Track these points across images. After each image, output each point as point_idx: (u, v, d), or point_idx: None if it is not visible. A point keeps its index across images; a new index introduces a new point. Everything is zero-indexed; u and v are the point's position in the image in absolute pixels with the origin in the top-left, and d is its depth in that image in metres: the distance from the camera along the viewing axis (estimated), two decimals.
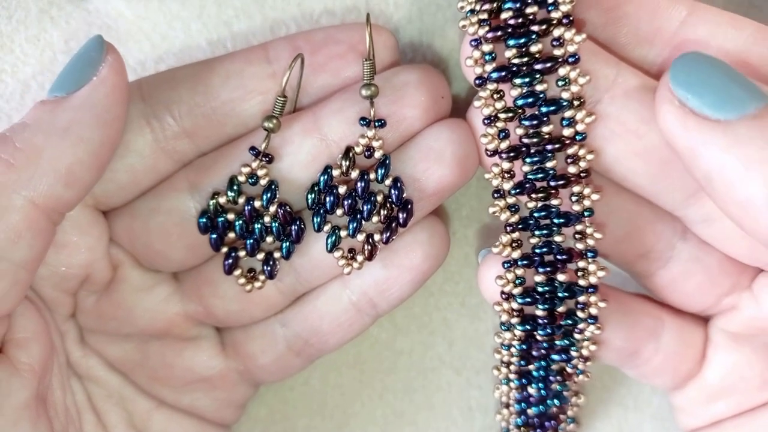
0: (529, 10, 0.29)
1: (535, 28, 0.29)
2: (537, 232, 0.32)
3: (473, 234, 0.39)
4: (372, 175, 0.32)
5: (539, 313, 0.32)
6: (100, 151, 0.29)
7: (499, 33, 0.30)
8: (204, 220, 0.33)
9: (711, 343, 0.35)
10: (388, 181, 0.32)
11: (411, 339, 0.41)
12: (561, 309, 0.32)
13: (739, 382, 0.34)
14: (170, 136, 0.32)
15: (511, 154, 0.31)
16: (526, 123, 0.30)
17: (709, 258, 0.33)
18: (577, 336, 0.33)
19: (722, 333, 0.35)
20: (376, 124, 0.32)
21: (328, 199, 0.32)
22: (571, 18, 0.29)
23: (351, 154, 0.32)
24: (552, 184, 0.31)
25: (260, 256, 0.34)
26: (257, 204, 0.33)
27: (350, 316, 0.35)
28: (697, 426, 0.36)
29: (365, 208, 0.32)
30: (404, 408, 0.42)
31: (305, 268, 0.34)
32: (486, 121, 0.31)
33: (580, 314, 0.32)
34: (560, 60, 0.29)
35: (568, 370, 0.35)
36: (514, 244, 0.32)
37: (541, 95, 0.30)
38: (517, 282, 0.32)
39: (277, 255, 0.34)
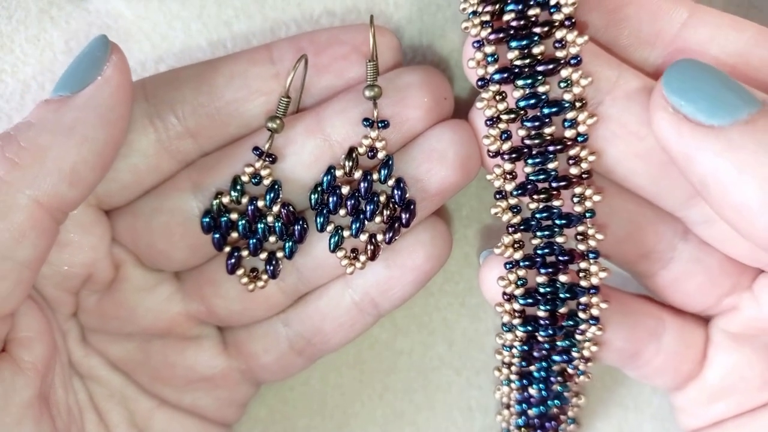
0: (531, 12, 0.29)
1: (537, 30, 0.29)
2: (539, 233, 0.32)
3: (473, 234, 0.39)
4: (375, 176, 0.32)
5: (541, 314, 0.32)
6: (105, 151, 0.29)
7: (502, 35, 0.30)
8: (207, 219, 0.33)
9: (712, 343, 0.35)
10: (391, 182, 0.32)
11: (411, 339, 0.41)
12: (562, 310, 0.32)
13: (739, 382, 0.35)
14: (173, 136, 0.32)
15: (513, 156, 0.31)
16: (528, 124, 0.30)
17: (710, 258, 0.33)
18: (578, 337, 0.33)
19: (723, 333, 0.35)
20: (379, 124, 0.32)
21: (331, 199, 0.32)
22: (573, 20, 0.29)
23: (354, 155, 0.32)
24: (554, 185, 0.31)
25: (263, 255, 0.34)
26: (260, 204, 0.33)
27: (352, 315, 0.35)
28: (698, 426, 0.36)
29: (368, 208, 0.32)
30: (404, 408, 0.42)
31: (308, 268, 0.34)
32: (488, 123, 0.31)
33: (581, 315, 0.32)
34: (562, 62, 0.30)
35: (569, 371, 0.35)
36: (515, 245, 0.32)
37: (543, 97, 0.30)
38: (518, 283, 0.32)
39: (279, 255, 0.34)
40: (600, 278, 0.32)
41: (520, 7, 0.29)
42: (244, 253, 0.34)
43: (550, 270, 0.32)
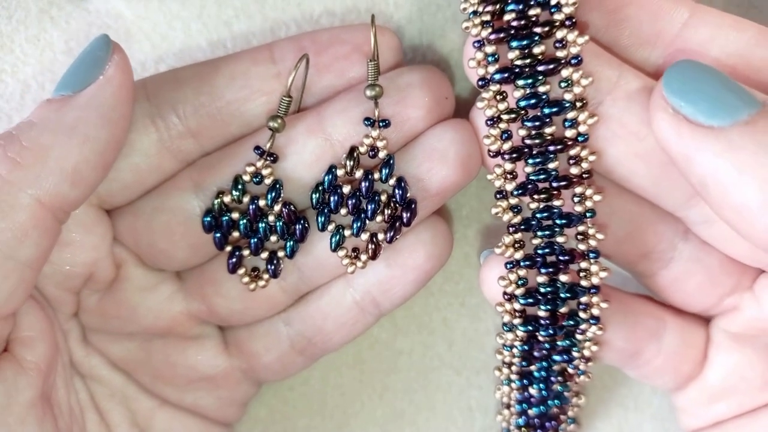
0: (532, 12, 0.29)
1: (537, 29, 0.29)
2: (539, 233, 0.32)
3: (473, 234, 0.39)
4: (376, 175, 0.32)
5: (541, 313, 0.32)
6: (106, 150, 0.29)
7: (502, 35, 0.30)
8: (208, 219, 0.33)
9: (712, 343, 0.35)
10: (392, 181, 0.32)
11: (411, 339, 0.41)
12: (563, 310, 0.32)
13: (740, 382, 0.35)
14: (175, 136, 0.32)
15: (514, 155, 0.31)
16: (529, 124, 0.31)
17: (711, 258, 0.33)
18: (578, 337, 0.33)
19: (723, 333, 0.35)
20: (380, 124, 0.32)
21: (332, 198, 0.32)
22: (573, 20, 0.29)
23: (355, 154, 0.32)
24: (554, 185, 0.31)
25: (264, 255, 0.34)
26: (262, 203, 0.33)
27: (353, 315, 0.35)
28: (699, 427, 0.36)
29: (369, 207, 0.33)
30: (404, 408, 0.42)
31: (309, 267, 0.34)
32: (489, 122, 0.31)
33: (582, 315, 0.32)
34: (563, 62, 0.30)
35: (570, 370, 0.35)
36: (516, 245, 0.32)
37: (544, 96, 0.30)
38: (519, 283, 0.32)
39: (281, 254, 0.34)
40: (600, 278, 0.32)
41: (520, 6, 0.29)
42: (246, 252, 0.34)
43: (550, 270, 0.32)
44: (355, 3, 0.35)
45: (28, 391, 0.29)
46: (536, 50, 0.30)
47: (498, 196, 0.32)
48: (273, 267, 0.34)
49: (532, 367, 0.35)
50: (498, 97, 0.31)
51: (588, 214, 0.32)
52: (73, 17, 0.36)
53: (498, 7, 0.30)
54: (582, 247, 0.32)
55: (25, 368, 0.30)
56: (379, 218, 0.33)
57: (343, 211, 0.33)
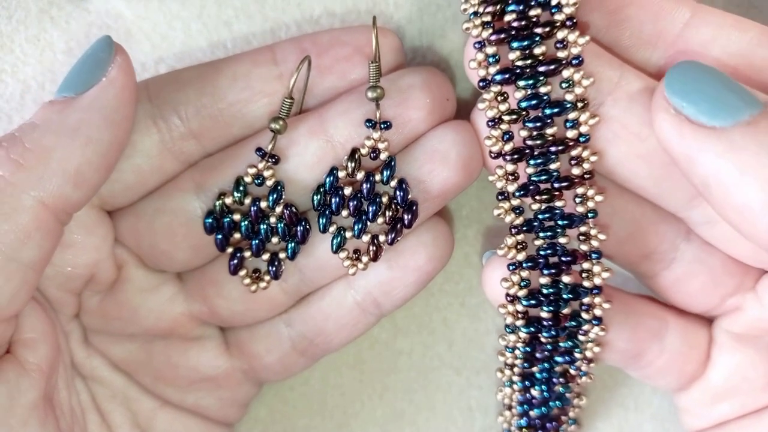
0: (532, 13, 0.29)
1: (538, 30, 0.29)
2: (541, 234, 0.32)
3: (473, 234, 0.39)
4: (377, 177, 0.32)
5: (544, 315, 0.32)
6: (109, 152, 0.29)
7: (503, 35, 0.30)
8: (210, 220, 0.33)
9: (715, 344, 0.35)
10: (393, 183, 0.32)
11: (411, 339, 0.41)
12: (565, 311, 0.32)
13: (742, 383, 0.35)
14: (177, 137, 0.32)
15: (515, 156, 0.31)
16: (530, 125, 0.31)
17: (713, 259, 0.33)
18: (581, 338, 0.33)
19: (726, 334, 0.35)
20: (382, 126, 0.32)
21: (333, 200, 0.32)
22: (574, 20, 0.29)
23: (356, 156, 0.32)
24: (556, 185, 0.31)
25: (265, 256, 0.34)
26: (263, 205, 0.33)
27: (355, 316, 0.35)
28: (702, 427, 0.36)
29: (370, 209, 0.33)
30: (404, 408, 0.42)
31: (310, 269, 0.34)
32: (490, 123, 0.31)
33: (584, 316, 0.32)
34: (564, 62, 0.30)
35: (572, 372, 0.35)
36: (518, 247, 0.32)
37: (545, 97, 0.30)
38: (522, 284, 0.32)
39: (282, 255, 0.34)
40: (603, 279, 0.32)
41: (521, 7, 0.29)
42: (247, 253, 0.34)
43: (553, 271, 0.32)
44: (355, 3, 0.35)
45: (31, 392, 0.29)
46: (537, 51, 0.30)
47: (500, 197, 0.32)
48: (274, 268, 0.34)
49: (534, 369, 0.35)
50: (499, 98, 0.31)
51: (590, 215, 0.32)
52: (73, 17, 0.36)
53: (498, 7, 0.29)
54: (584, 247, 0.32)
55: (28, 370, 0.30)
56: (380, 220, 0.33)
57: (344, 212, 0.33)
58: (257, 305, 0.35)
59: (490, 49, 0.30)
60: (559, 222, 0.31)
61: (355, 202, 0.33)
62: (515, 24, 0.29)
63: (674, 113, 0.27)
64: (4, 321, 0.29)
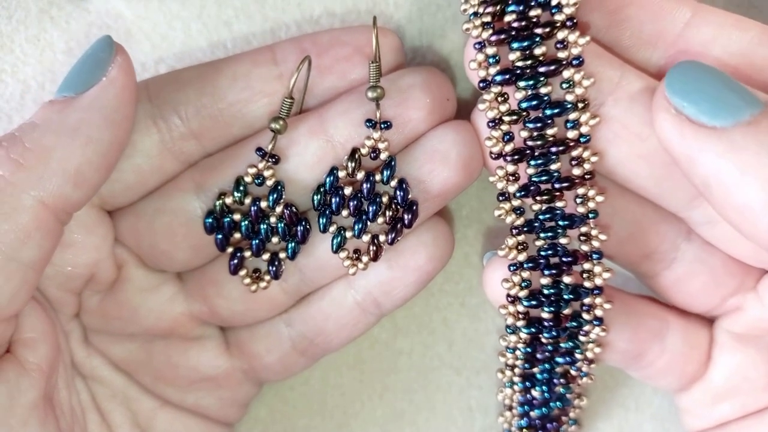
0: (532, 13, 0.29)
1: (538, 30, 0.29)
2: (542, 235, 0.32)
3: (473, 234, 0.39)
4: (377, 177, 0.32)
5: (545, 315, 0.32)
6: (109, 152, 0.29)
7: (503, 36, 0.30)
8: (210, 220, 0.33)
9: (716, 344, 0.35)
10: (393, 183, 0.32)
11: (411, 339, 0.41)
12: (566, 311, 0.32)
13: (743, 383, 0.35)
14: (177, 137, 0.32)
15: (516, 157, 0.31)
16: (531, 125, 0.30)
17: (714, 259, 0.33)
18: (582, 338, 0.33)
19: (727, 334, 0.35)
20: (382, 125, 0.32)
21: (333, 200, 0.32)
22: (574, 20, 0.29)
23: (357, 156, 0.32)
24: (556, 186, 0.31)
25: (265, 256, 0.34)
26: (263, 204, 0.33)
27: (355, 315, 0.35)
28: (703, 428, 0.36)
29: (370, 209, 0.33)
30: (404, 408, 0.42)
31: (310, 269, 0.34)
32: (490, 124, 0.31)
33: (585, 316, 0.32)
34: (564, 62, 0.29)
35: (572, 372, 0.35)
36: (519, 247, 0.32)
37: (546, 98, 0.30)
38: (522, 285, 0.32)
39: (282, 255, 0.34)
40: (603, 279, 0.32)
41: (521, 8, 0.29)
42: (247, 253, 0.34)
43: (553, 271, 0.32)
44: (355, 3, 0.35)
45: (31, 392, 0.29)
46: (537, 51, 0.29)
47: (500, 198, 0.32)
48: (274, 268, 0.34)
49: (535, 369, 0.35)
50: (499, 99, 0.31)
51: (590, 215, 0.32)
52: (73, 17, 0.36)
53: (498, 8, 0.29)
54: (585, 248, 0.32)
55: (28, 370, 0.30)
56: (380, 220, 0.33)
57: (344, 212, 0.33)
58: (257, 305, 0.35)
59: (491, 50, 0.30)
60: (560, 222, 0.31)
61: (355, 202, 0.33)
62: (515, 24, 0.29)
63: (675, 113, 0.27)
64: (4, 321, 0.29)
